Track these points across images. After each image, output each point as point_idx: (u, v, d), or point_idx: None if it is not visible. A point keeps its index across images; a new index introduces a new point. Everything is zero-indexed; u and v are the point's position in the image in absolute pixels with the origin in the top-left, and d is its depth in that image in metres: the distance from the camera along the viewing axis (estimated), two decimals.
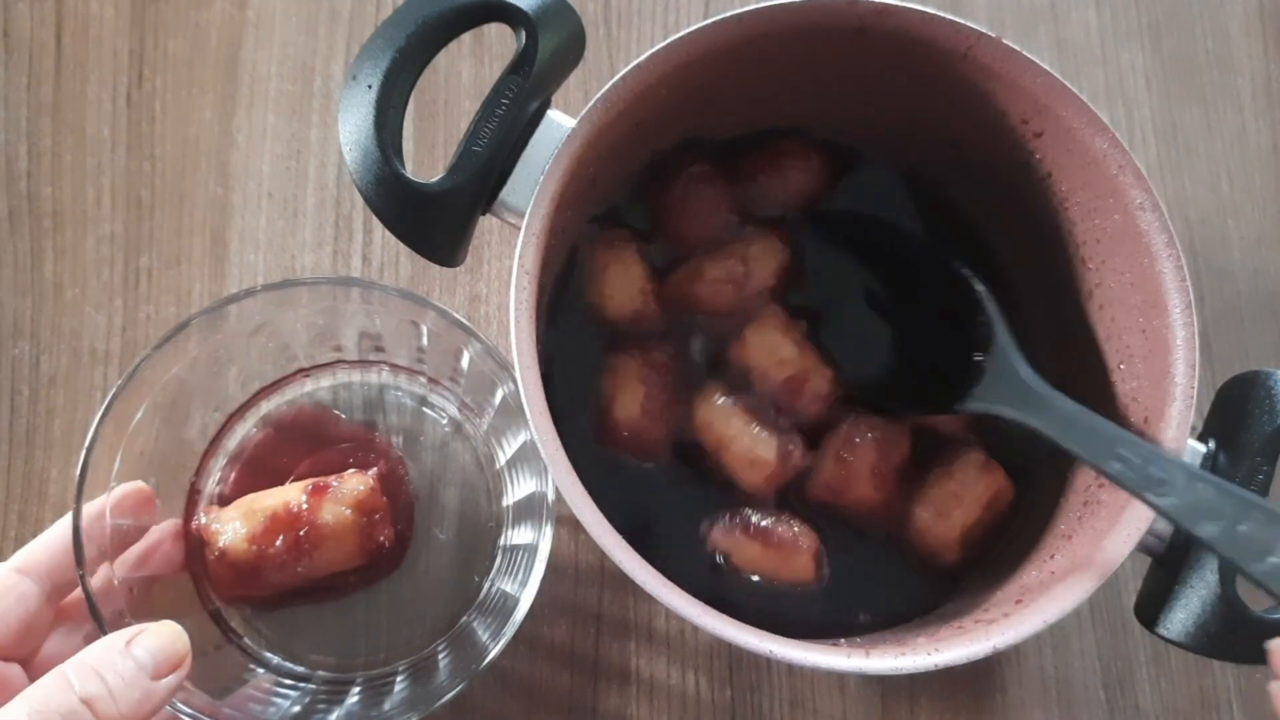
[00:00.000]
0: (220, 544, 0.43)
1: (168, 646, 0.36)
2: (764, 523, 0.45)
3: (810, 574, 0.45)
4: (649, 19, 0.59)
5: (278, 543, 0.43)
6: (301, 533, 0.43)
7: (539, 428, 0.37)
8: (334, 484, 0.44)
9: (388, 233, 0.39)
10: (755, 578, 0.45)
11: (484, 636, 0.44)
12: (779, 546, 0.45)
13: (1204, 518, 0.35)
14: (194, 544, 0.45)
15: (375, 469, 0.46)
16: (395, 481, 0.48)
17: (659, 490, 0.47)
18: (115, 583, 0.41)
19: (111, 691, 0.33)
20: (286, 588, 0.44)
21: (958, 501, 0.46)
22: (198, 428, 0.47)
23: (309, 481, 0.45)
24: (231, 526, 0.43)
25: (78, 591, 0.41)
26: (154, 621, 0.37)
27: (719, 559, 0.45)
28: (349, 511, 0.44)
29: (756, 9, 0.41)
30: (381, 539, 0.45)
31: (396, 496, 0.47)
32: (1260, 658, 0.36)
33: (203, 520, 0.45)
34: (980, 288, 0.44)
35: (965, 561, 0.46)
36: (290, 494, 0.44)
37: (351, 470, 0.45)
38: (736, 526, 0.45)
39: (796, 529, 0.45)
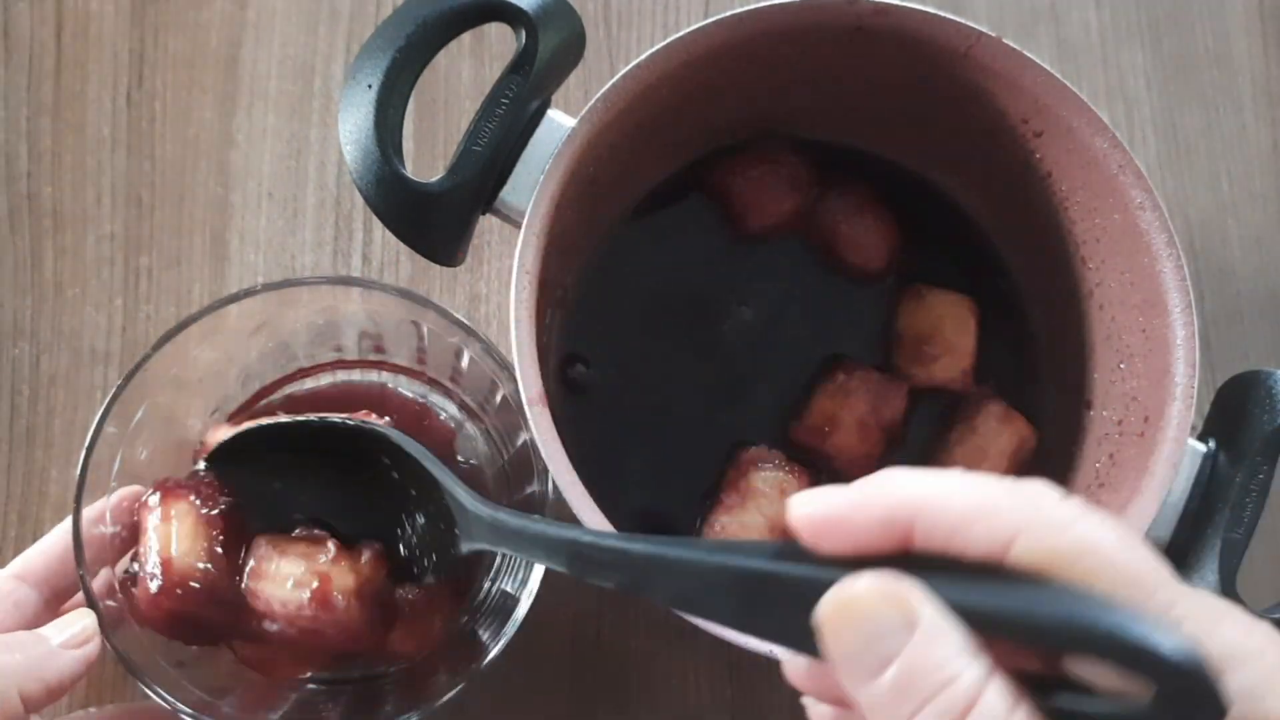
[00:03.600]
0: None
1: (80, 631, 0.38)
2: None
3: None
4: (649, 19, 0.59)
5: None
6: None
7: (539, 427, 0.37)
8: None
9: (388, 233, 0.39)
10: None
11: (484, 636, 0.44)
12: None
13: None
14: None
15: (388, 418, 0.45)
16: (422, 419, 0.47)
17: (660, 488, 0.47)
18: (115, 585, 0.41)
19: (12, 649, 0.36)
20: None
21: (984, 455, 0.46)
22: (198, 428, 0.47)
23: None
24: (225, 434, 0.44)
25: (76, 598, 0.41)
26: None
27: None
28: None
29: (756, 9, 0.41)
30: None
31: (429, 432, 0.47)
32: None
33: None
34: (392, 438, 0.40)
35: None
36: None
37: (364, 411, 0.45)
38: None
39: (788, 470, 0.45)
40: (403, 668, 0.46)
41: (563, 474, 0.37)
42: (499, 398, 0.46)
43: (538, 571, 0.42)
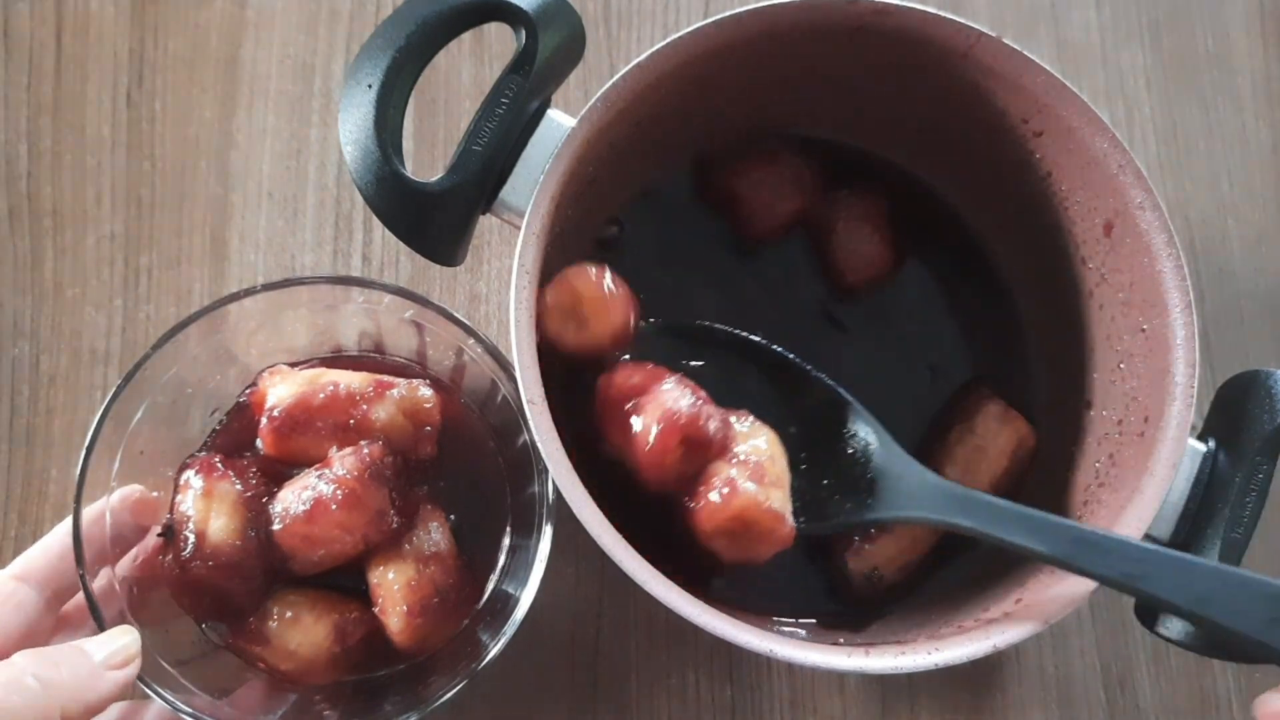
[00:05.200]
0: (273, 398, 0.43)
1: (120, 649, 0.37)
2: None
3: None
4: (649, 19, 0.59)
5: (322, 421, 0.43)
6: (350, 422, 0.43)
7: (539, 428, 0.37)
8: (400, 385, 0.44)
9: (388, 232, 0.39)
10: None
11: (484, 636, 0.44)
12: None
13: (1152, 581, 0.35)
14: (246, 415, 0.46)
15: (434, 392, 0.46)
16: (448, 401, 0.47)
17: None
18: (115, 585, 0.41)
19: (59, 666, 0.35)
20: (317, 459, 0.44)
21: (983, 455, 0.46)
22: (198, 428, 0.47)
23: (375, 376, 0.45)
24: (287, 386, 0.44)
25: (77, 598, 0.41)
26: (147, 624, 0.38)
27: (876, 574, 0.45)
28: (403, 417, 0.44)
29: (756, 9, 0.41)
30: (428, 449, 0.45)
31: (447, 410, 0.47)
32: (1260, 658, 0.36)
33: (265, 378, 0.45)
34: (846, 396, 0.43)
35: None
36: (356, 380, 0.44)
37: (421, 381, 0.45)
38: (861, 540, 0.45)
39: None
40: (402, 668, 0.46)
41: (563, 474, 0.37)
42: (499, 398, 0.46)
43: (538, 572, 0.42)
